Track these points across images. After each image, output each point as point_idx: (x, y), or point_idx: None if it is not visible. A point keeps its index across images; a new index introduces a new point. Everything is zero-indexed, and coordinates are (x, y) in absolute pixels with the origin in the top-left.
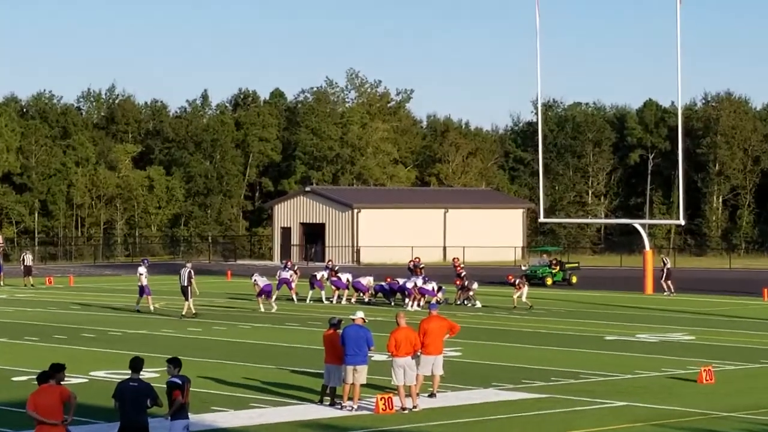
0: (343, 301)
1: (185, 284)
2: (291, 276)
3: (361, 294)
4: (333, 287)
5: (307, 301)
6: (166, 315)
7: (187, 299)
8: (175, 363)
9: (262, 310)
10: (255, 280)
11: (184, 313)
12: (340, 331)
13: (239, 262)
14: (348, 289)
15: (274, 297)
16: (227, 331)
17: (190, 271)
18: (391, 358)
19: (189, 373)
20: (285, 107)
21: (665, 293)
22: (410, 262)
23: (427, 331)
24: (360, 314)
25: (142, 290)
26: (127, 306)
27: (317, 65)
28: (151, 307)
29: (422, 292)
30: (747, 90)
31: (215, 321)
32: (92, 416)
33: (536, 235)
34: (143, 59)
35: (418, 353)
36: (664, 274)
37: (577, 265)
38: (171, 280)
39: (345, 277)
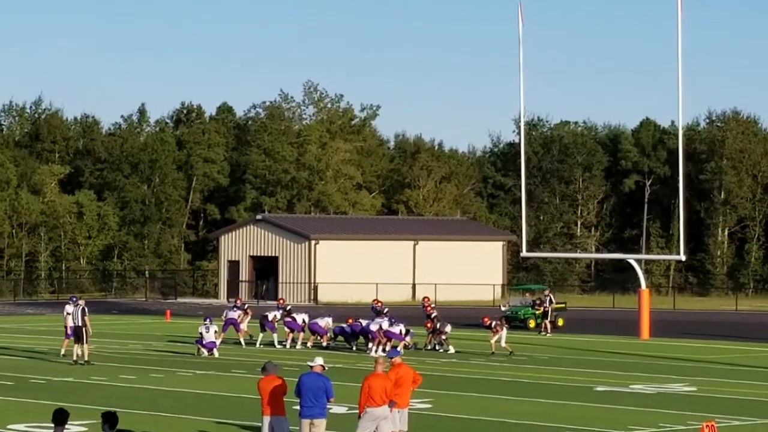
0: (298, 346)
1: (79, 324)
2: (239, 316)
3: (319, 337)
4: (286, 329)
5: (257, 345)
6: (97, 360)
7: (81, 342)
8: (110, 420)
9: (205, 354)
10: (201, 332)
11: (74, 358)
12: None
13: (180, 300)
14: (304, 331)
15: (219, 342)
16: (165, 378)
17: (83, 308)
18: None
19: (120, 426)
20: (233, 124)
21: (544, 333)
22: (373, 302)
23: (398, 381)
24: (319, 360)
25: (69, 332)
26: (52, 350)
27: (270, 77)
28: (78, 351)
29: (388, 336)
30: (756, 109)
31: (152, 367)
32: None
33: (518, 272)
34: (73, 69)
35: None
36: (550, 312)
37: (563, 305)
38: (101, 320)
39: (300, 317)
